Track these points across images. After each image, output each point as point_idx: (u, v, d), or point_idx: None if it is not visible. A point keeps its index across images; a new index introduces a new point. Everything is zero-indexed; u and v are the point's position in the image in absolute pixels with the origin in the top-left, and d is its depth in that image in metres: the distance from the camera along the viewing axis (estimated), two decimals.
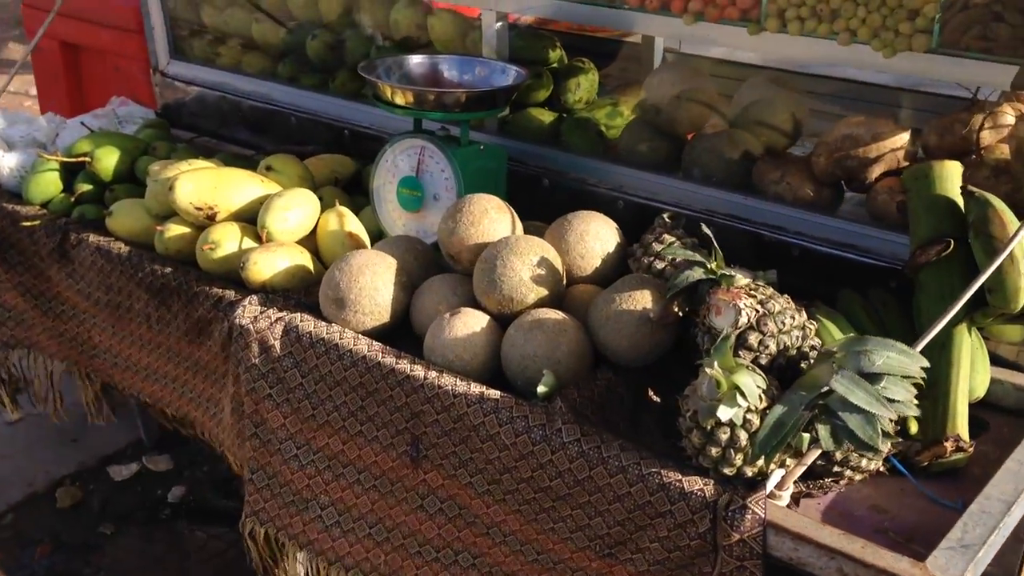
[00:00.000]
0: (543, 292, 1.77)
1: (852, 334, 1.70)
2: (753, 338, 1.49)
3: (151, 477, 3.46)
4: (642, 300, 1.70)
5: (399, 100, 2.06)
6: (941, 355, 1.61)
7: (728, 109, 2.16)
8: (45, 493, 3.29)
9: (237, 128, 2.94)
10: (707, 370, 1.42)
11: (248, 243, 2.04)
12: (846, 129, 1.91)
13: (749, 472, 1.44)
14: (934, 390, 1.58)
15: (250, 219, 2.11)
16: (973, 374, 1.66)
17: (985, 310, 1.60)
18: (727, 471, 1.44)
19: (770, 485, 1.43)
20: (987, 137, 1.85)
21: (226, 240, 2.03)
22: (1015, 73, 1.65)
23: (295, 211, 2.05)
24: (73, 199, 2.39)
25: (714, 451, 1.43)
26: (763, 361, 1.50)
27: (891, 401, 1.37)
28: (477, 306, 1.82)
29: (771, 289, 1.57)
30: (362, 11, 2.60)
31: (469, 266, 1.88)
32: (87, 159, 2.40)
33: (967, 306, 1.58)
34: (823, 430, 1.38)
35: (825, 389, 1.38)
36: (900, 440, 1.53)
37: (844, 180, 1.98)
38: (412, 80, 2.21)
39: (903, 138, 1.89)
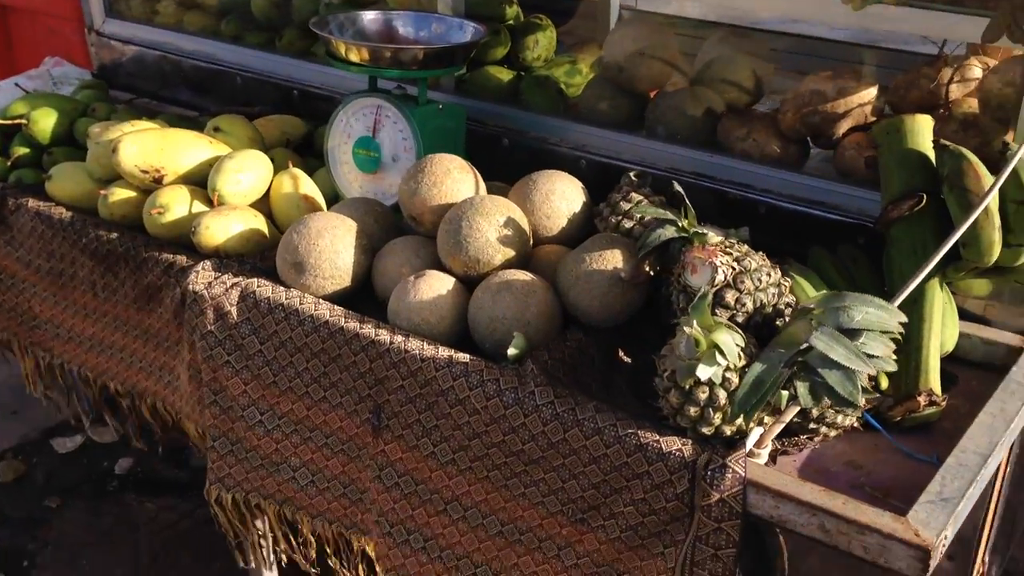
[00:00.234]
0: (510, 253, 1.72)
1: (826, 290, 1.68)
2: (730, 296, 1.47)
3: (96, 449, 3.37)
4: (613, 259, 1.66)
5: (354, 57, 1.98)
6: (913, 310, 1.59)
7: (691, 66, 2.12)
8: None
9: (178, 89, 2.83)
10: (686, 329, 1.38)
11: (198, 207, 1.96)
12: (813, 84, 1.89)
13: (728, 431, 1.42)
14: (907, 345, 1.56)
15: (198, 182, 2.02)
16: (943, 329, 1.66)
17: (958, 264, 1.59)
18: (705, 430, 1.41)
19: (749, 443, 1.41)
20: (954, 91, 1.84)
21: (175, 204, 1.94)
22: (985, 25, 1.63)
23: (247, 173, 1.97)
24: (9, 163, 2.28)
25: (692, 411, 1.40)
26: (740, 319, 1.48)
27: (870, 357, 1.35)
28: (441, 268, 1.76)
29: (746, 246, 1.54)
30: None
31: (432, 228, 1.82)
32: (23, 121, 2.28)
33: (940, 261, 1.57)
34: (802, 387, 1.36)
35: (804, 346, 1.35)
36: (877, 396, 1.52)
37: (811, 136, 1.96)
38: (366, 37, 2.13)
39: (871, 93, 1.88)
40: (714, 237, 1.60)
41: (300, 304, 1.73)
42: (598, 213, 1.83)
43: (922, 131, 1.65)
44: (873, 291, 1.71)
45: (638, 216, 1.75)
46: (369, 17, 2.13)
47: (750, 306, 1.47)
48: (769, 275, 1.50)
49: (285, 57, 2.57)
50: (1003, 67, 1.73)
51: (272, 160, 2.06)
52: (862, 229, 1.85)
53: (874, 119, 1.92)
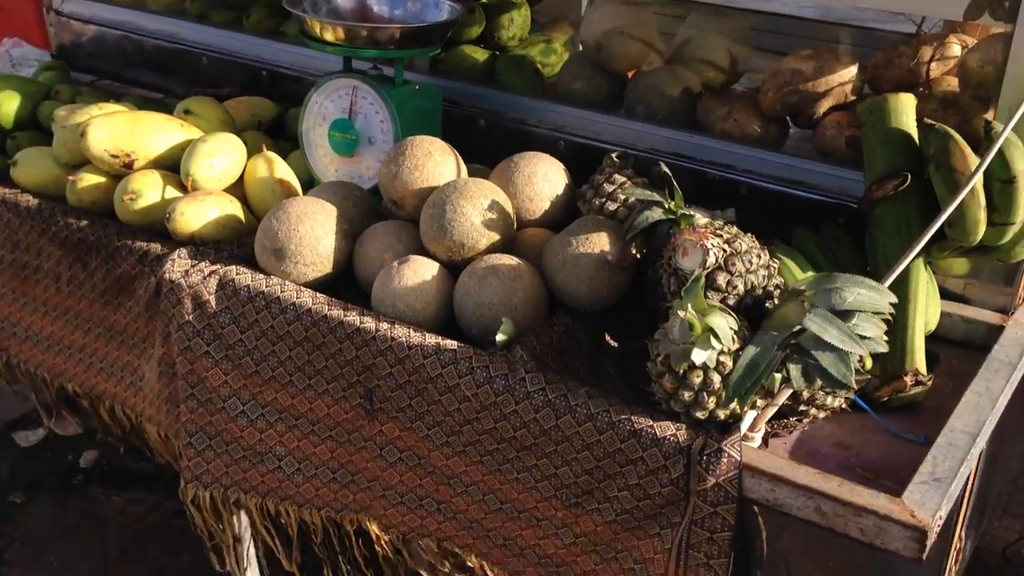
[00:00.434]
0: (495, 237, 1.70)
1: (811, 271, 1.68)
2: (721, 279, 1.46)
3: (60, 442, 3.30)
4: (599, 243, 1.64)
5: (329, 37, 1.94)
6: (899, 290, 1.59)
7: (670, 46, 2.10)
8: None
9: (141, 70, 2.76)
10: (679, 313, 1.38)
11: (171, 192, 1.91)
12: (794, 63, 1.88)
13: (721, 415, 1.41)
14: (893, 325, 1.57)
15: (170, 166, 1.97)
16: (926, 308, 1.66)
17: (943, 243, 1.60)
18: (699, 415, 1.41)
19: (744, 427, 1.41)
20: (934, 69, 1.84)
21: (147, 189, 1.89)
22: (968, 3, 1.64)
23: (221, 157, 1.93)
24: None
25: (687, 395, 1.39)
26: (731, 302, 1.47)
27: (863, 338, 1.35)
28: (424, 253, 1.74)
29: (735, 228, 1.53)
30: None
31: (414, 212, 1.79)
32: None
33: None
34: (794, 369, 1.36)
35: (797, 328, 1.35)
36: (868, 377, 1.53)
37: (791, 116, 1.95)
38: (340, 15, 2.08)
39: (851, 72, 1.87)
40: (701, 219, 1.59)
41: (281, 292, 1.70)
42: (581, 195, 1.81)
43: (906, 110, 1.65)
44: (856, 271, 1.71)
45: (623, 198, 1.74)
46: None
47: (741, 288, 1.47)
48: (759, 257, 1.50)
49: (253, 37, 2.51)
50: (983, 45, 1.74)
51: (244, 143, 2.02)
52: (843, 209, 1.85)
53: (854, 98, 1.92)
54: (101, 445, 3.27)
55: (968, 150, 1.52)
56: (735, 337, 1.39)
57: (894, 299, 1.40)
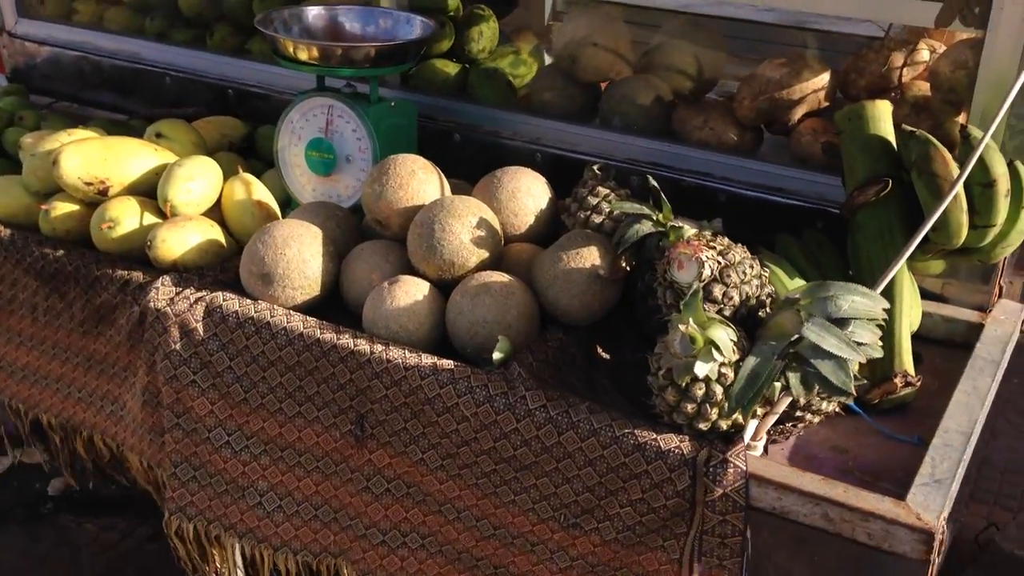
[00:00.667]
0: (484, 254, 1.70)
1: (798, 278, 1.71)
2: (717, 290, 1.47)
3: (27, 470, 3.22)
4: (590, 257, 1.65)
5: (303, 56, 1.92)
6: (884, 294, 1.62)
7: (643, 56, 2.12)
8: None
9: (100, 91, 2.71)
10: (680, 327, 1.39)
11: (149, 219, 1.88)
12: (769, 72, 1.91)
13: (724, 425, 1.43)
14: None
15: (146, 192, 1.94)
16: (909, 310, 1.70)
17: (925, 247, 1.63)
18: (702, 426, 1.42)
19: (747, 437, 1.42)
20: (904, 74, 1.88)
21: (125, 217, 1.86)
22: (938, 10, 1.68)
23: (198, 181, 1.90)
24: None
25: (689, 407, 1.41)
26: (727, 312, 1.49)
27: (859, 344, 1.37)
28: (412, 272, 1.73)
29: (726, 239, 1.55)
30: None
31: (399, 231, 1.78)
32: None
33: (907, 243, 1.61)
34: (793, 378, 1.38)
35: (796, 337, 1.37)
36: (864, 382, 1.55)
37: (766, 123, 1.98)
38: (312, 34, 2.07)
39: (824, 79, 1.91)
40: (689, 230, 1.60)
41: (271, 317, 1.68)
42: (565, 209, 1.82)
43: (883, 117, 1.68)
44: (839, 276, 1.75)
45: (608, 210, 1.75)
46: (314, 13, 2.07)
47: (737, 299, 1.49)
48: (752, 267, 1.52)
49: (218, 55, 2.48)
50: (953, 51, 1.78)
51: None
52: (822, 214, 1.88)
53: (827, 104, 1.95)
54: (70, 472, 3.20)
55: (948, 156, 1.56)
56: (735, 348, 1.41)
57: (887, 305, 1.43)
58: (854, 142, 1.68)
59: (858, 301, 1.40)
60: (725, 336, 1.40)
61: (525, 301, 1.64)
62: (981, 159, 1.54)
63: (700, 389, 1.40)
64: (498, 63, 2.32)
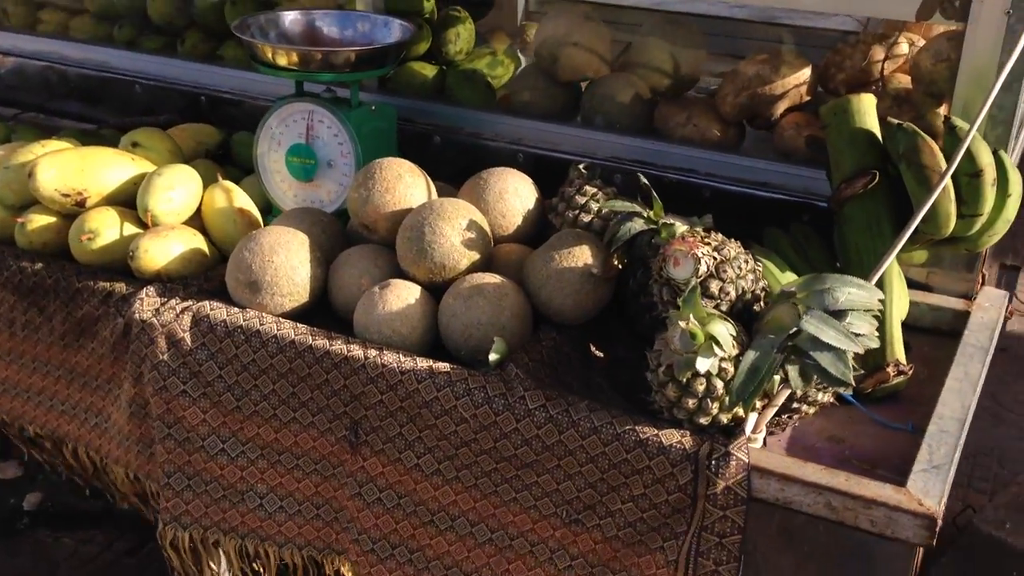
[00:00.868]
0: (475, 256, 1.69)
1: (788, 271, 1.72)
2: (714, 286, 1.48)
3: (1, 486, 3.18)
4: (582, 256, 1.65)
5: (282, 61, 1.90)
6: (875, 284, 1.64)
7: (624, 54, 2.12)
8: None
9: (66, 101, 2.66)
10: (680, 323, 1.39)
11: (130, 229, 1.84)
12: (752, 67, 1.92)
13: (724, 419, 1.43)
14: None
15: (124, 202, 1.91)
16: (899, 300, 1.72)
17: (914, 237, 1.64)
18: (703, 421, 1.42)
19: (748, 429, 1.42)
20: (885, 68, 1.90)
21: (105, 228, 1.82)
22: (919, 4, 1.69)
23: (178, 190, 1.87)
24: None
25: (691, 402, 1.41)
26: (724, 308, 1.49)
27: (857, 335, 1.38)
28: (402, 276, 1.72)
29: (720, 235, 1.55)
30: None
31: (387, 235, 1.77)
32: None
33: (895, 234, 1.63)
34: (792, 370, 1.39)
35: (794, 330, 1.38)
36: (861, 372, 1.56)
37: (748, 119, 1.99)
38: (290, 39, 2.05)
39: (805, 73, 1.92)
40: (681, 227, 1.61)
41: (261, 325, 1.65)
42: (553, 208, 1.81)
43: (868, 110, 1.70)
44: (827, 268, 1.77)
45: (596, 208, 1.75)
46: (291, 18, 2.05)
47: (733, 294, 1.49)
48: (747, 262, 1.52)
49: (189, 62, 2.45)
50: (934, 44, 1.80)
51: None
52: (807, 207, 1.89)
53: (809, 98, 1.96)
54: (44, 486, 3.15)
55: (936, 147, 1.57)
56: (735, 343, 1.41)
57: (882, 296, 1.44)
58: (840, 136, 1.70)
59: (854, 293, 1.41)
60: (725, 331, 1.40)
61: (518, 302, 1.64)
62: (968, 149, 1.56)
63: (701, 384, 1.40)
64: (476, 64, 2.31)
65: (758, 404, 1.45)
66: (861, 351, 1.38)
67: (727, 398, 1.40)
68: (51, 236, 1.88)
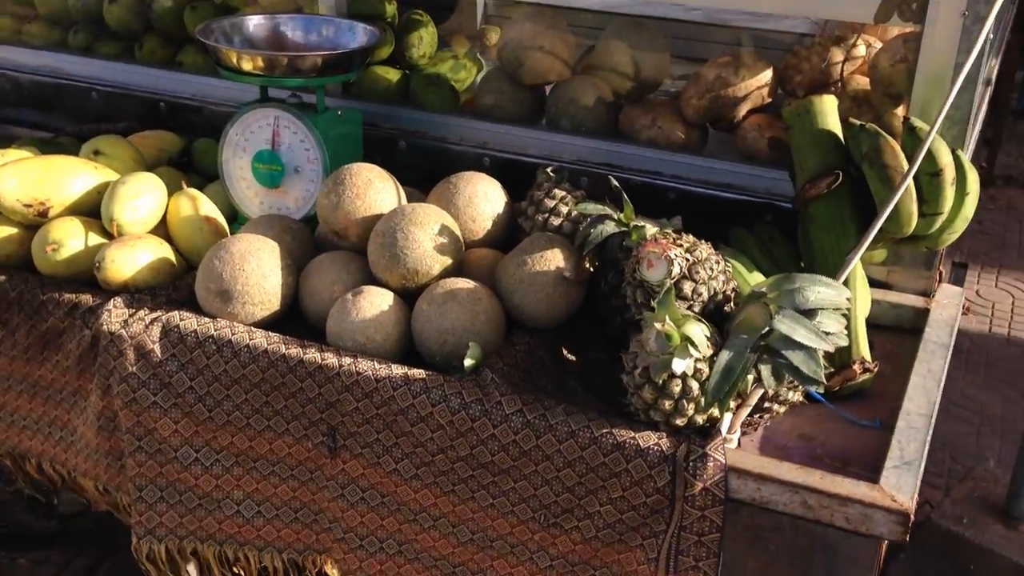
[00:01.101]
0: (448, 261, 1.69)
1: (755, 271, 1.74)
2: (687, 287, 1.50)
3: None
4: (554, 259, 1.66)
5: (247, 67, 1.89)
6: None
7: (588, 57, 2.13)
8: None
9: (19, 108, 2.61)
10: (655, 325, 1.40)
11: (95, 239, 1.82)
12: (714, 70, 1.94)
13: (700, 420, 1.45)
14: None
15: (88, 212, 1.88)
16: (862, 298, 1.75)
17: (877, 235, 1.67)
18: (679, 422, 1.44)
19: (724, 430, 1.45)
20: (844, 69, 1.93)
21: (69, 239, 1.79)
22: (878, 6, 1.73)
23: (144, 198, 1.85)
24: None
25: (667, 404, 1.43)
26: (696, 308, 1.51)
27: (827, 334, 1.41)
28: (373, 283, 1.72)
29: (691, 236, 1.57)
30: None
31: (358, 241, 1.77)
32: None
33: (859, 232, 1.66)
34: (765, 370, 1.41)
35: (767, 329, 1.40)
36: (831, 370, 1.59)
37: (711, 121, 2.02)
38: (254, 44, 2.03)
39: (767, 75, 1.95)
40: (651, 229, 1.62)
41: (233, 334, 1.64)
42: (521, 212, 1.82)
43: (830, 111, 1.73)
44: (793, 267, 1.80)
45: (565, 212, 1.76)
46: (255, 22, 2.04)
47: (706, 295, 1.51)
48: (718, 263, 1.54)
49: (148, 67, 2.41)
50: (891, 45, 1.84)
51: None
52: (770, 208, 1.92)
53: (770, 100, 1.99)
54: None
55: (897, 147, 1.61)
56: (709, 343, 1.43)
57: (850, 294, 1.47)
58: (804, 136, 1.73)
59: (823, 292, 1.44)
60: (699, 332, 1.42)
61: (492, 307, 1.64)
62: (928, 149, 1.60)
63: (677, 385, 1.42)
64: (439, 68, 2.32)
65: (732, 404, 1.47)
66: (832, 349, 1.40)
67: (703, 399, 1.42)
68: (13, 248, 1.85)
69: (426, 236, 1.67)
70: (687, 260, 1.50)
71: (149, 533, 1.77)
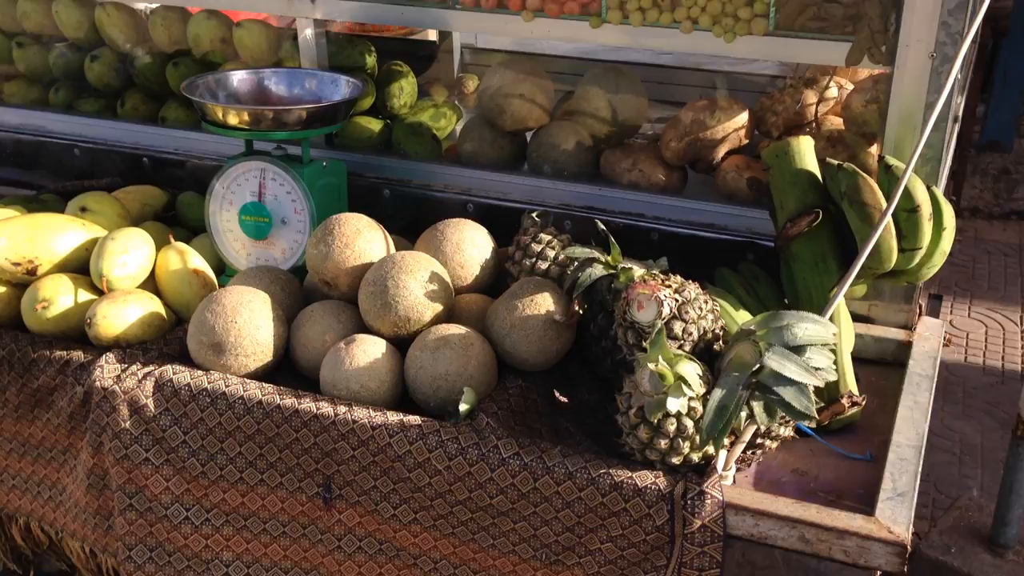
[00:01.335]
0: (438, 308, 1.71)
1: (741, 309, 1.77)
2: (678, 327, 1.52)
3: None
4: (544, 303, 1.68)
5: (234, 121, 1.91)
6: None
7: (568, 103, 2.18)
8: None
9: (2, 167, 2.62)
10: (649, 365, 1.43)
11: (84, 296, 1.82)
12: (691, 113, 1.99)
13: (695, 458, 1.47)
14: None
15: (76, 268, 1.89)
16: (846, 333, 1.79)
17: (859, 271, 1.71)
18: (676, 460, 1.46)
19: (719, 467, 1.46)
20: (819, 110, 1.98)
21: (58, 296, 1.80)
22: (848, 50, 1.78)
23: (133, 254, 1.85)
24: None
25: (663, 443, 1.44)
26: (687, 348, 1.53)
27: (817, 369, 1.44)
28: (364, 331, 1.73)
29: (679, 277, 1.60)
30: (151, 28, 2.38)
31: (348, 291, 1.78)
32: None
33: (841, 269, 1.70)
34: (758, 406, 1.43)
35: (757, 367, 1.43)
36: (821, 404, 1.62)
37: (691, 162, 2.06)
38: (239, 98, 2.05)
39: (744, 118, 2.00)
40: (638, 271, 1.65)
41: (227, 386, 1.65)
42: (509, 257, 1.85)
43: (808, 151, 1.77)
44: (777, 304, 1.83)
45: (552, 255, 1.78)
46: (239, 77, 2.06)
47: (696, 334, 1.54)
48: (706, 302, 1.57)
49: (130, 123, 2.43)
50: (863, 86, 1.89)
51: None
52: (751, 246, 1.96)
53: (747, 141, 2.04)
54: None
55: (875, 185, 1.65)
56: (702, 382, 1.45)
57: (836, 330, 1.50)
58: (783, 176, 1.77)
59: (811, 328, 1.47)
60: (692, 371, 1.44)
61: (484, 351, 1.66)
62: (904, 186, 1.64)
63: (672, 424, 1.44)
64: (420, 117, 2.35)
65: (726, 442, 1.49)
66: (822, 384, 1.43)
67: (698, 437, 1.44)
68: (2, 307, 1.85)
69: (416, 284, 1.69)
70: (676, 300, 1.53)
71: None
